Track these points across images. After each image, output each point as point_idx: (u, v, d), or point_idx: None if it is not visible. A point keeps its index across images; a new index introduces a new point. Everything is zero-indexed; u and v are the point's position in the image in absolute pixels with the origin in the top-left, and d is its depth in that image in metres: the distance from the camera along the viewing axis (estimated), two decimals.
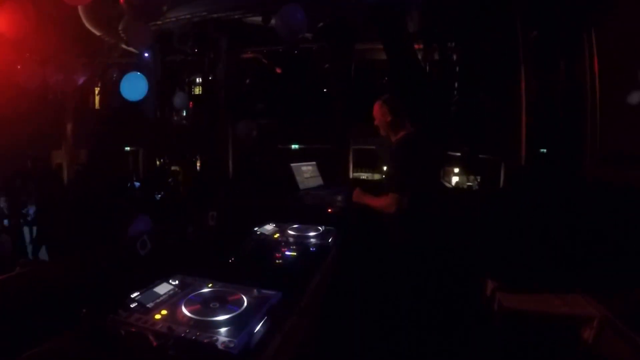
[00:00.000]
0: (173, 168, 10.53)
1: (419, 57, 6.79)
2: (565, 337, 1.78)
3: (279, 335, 1.29)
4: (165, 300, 1.34)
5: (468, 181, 5.03)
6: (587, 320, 1.72)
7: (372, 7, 5.80)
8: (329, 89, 10.87)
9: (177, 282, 1.47)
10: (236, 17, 8.11)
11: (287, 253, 1.98)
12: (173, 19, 7.52)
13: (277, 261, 1.89)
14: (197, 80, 10.86)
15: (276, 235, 2.31)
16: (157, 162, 9.95)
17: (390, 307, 2.39)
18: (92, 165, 8.54)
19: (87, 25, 4.94)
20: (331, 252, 2.18)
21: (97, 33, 5.53)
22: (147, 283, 1.44)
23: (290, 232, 2.35)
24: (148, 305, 1.29)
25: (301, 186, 3.51)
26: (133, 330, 1.16)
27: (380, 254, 2.55)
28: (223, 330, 1.16)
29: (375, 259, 2.60)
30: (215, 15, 7.78)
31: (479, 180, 4.49)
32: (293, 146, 11.41)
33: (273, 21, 6.83)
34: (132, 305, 1.28)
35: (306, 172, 3.72)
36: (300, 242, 2.19)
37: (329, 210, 2.90)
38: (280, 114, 10.58)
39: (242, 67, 9.83)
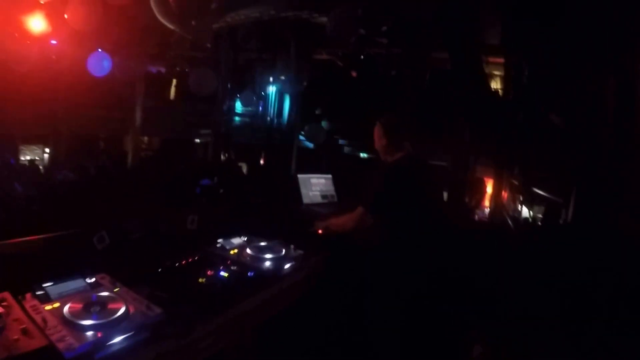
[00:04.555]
0: (240, 164, 11.10)
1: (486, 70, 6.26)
2: None
3: (152, 353, 1.36)
4: (69, 295, 1.49)
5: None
6: None
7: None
8: (400, 98, 10.51)
9: (92, 280, 1.61)
10: (304, 17, 8.25)
11: (221, 273, 1.90)
12: (242, 17, 7.89)
13: (199, 280, 1.81)
14: (270, 79, 11.32)
15: (233, 252, 2.20)
16: (222, 157, 10.54)
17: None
18: (163, 153, 9.43)
19: (159, 17, 5.13)
20: (280, 281, 2.09)
21: (170, 26, 5.89)
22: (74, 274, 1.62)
23: (249, 251, 2.18)
24: (51, 296, 1.46)
25: (305, 200, 3.30)
26: (24, 313, 1.36)
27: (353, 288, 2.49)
28: (89, 334, 1.28)
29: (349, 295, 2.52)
30: (283, 15, 7.99)
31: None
32: (362, 154, 11.34)
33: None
34: (37, 293, 1.46)
35: (315, 186, 3.45)
36: (248, 264, 2.06)
37: (319, 231, 2.64)
38: (349, 119, 10.52)
39: (314, 68, 10.01)
